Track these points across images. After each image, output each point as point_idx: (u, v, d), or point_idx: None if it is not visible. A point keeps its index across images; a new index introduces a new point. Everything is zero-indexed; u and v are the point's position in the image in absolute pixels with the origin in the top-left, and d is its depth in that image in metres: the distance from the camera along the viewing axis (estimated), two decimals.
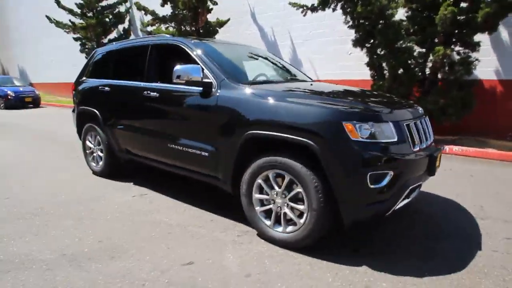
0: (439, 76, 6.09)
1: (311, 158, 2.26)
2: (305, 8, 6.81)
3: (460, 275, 2.11)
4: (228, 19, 8.96)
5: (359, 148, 2.11)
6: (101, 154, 4.18)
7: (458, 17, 5.24)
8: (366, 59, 6.80)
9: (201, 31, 8.75)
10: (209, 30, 8.74)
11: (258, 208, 2.58)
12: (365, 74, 6.99)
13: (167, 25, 9.26)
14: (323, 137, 2.16)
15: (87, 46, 12.38)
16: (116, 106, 3.81)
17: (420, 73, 6.14)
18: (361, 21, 6.53)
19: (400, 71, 6.06)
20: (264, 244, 2.52)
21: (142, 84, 3.42)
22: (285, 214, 2.45)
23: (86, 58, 13.02)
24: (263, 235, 2.57)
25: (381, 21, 6.03)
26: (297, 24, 8.62)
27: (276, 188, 2.45)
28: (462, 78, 5.78)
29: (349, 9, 6.48)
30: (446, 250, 2.42)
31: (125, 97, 3.66)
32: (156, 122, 3.33)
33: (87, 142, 4.37)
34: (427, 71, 6.20)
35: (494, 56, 6.35)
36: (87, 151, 4.41)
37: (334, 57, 8.31)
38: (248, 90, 2.66)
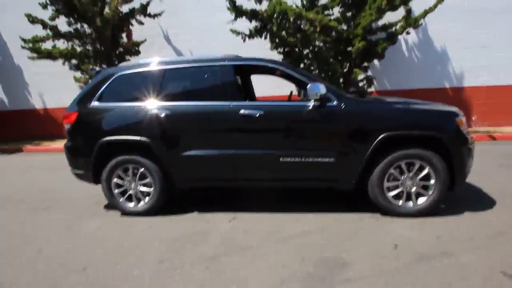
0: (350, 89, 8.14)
1: (431, 146, 3.17)
2: (244, 35, 7.53)
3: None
4: (144, 40, 8.47)
5: (466, 134, 3.20)
6: (146, 190, 3.60)
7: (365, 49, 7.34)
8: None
9: (116, 52, 7.84)
10: (130, 51, 7.97)
11: (389, 194, 3.25)
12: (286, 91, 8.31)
13: (65, 42, 7.77)
14: (449, 130, 3.12)
15: None
16: (187, 131, 3.45)
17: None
18: (286, 49, 7.90)
19: None
20: (400, 219, 3.21)
21: (236, 103, 3.35)
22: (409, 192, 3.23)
23: None
24: (394, 213, 3.25)
25: (310, 49, 7.54)
26: (216, 49, 9.12)
27: (406, 173, 3.21)
28: (366, 90, 8.00)
29: (277, 39, 7.69)
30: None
31: (206, 120, 3.41)
32: (261, 140, 3.36)
33: (116, 180, 3.63)
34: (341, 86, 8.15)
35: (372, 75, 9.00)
36: (116, 191, 3.64)
37: (258, 78, 9.30)
38: (368, 102, 3.34)
